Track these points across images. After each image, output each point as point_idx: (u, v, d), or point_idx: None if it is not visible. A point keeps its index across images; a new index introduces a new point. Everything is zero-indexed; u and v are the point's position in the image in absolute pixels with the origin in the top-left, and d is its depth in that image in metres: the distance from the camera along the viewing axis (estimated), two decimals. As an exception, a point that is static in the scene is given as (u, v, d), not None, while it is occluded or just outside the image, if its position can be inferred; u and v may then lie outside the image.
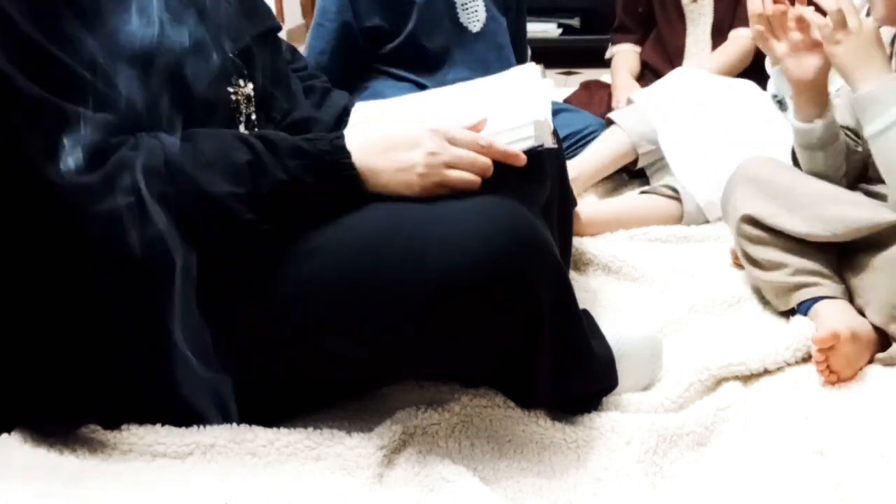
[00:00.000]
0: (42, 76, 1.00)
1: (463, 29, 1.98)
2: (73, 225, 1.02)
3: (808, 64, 1.47)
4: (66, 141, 1.00)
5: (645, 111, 2.09)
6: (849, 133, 1.56)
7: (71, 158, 1.00)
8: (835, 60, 1.42)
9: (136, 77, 1.07)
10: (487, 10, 2.00)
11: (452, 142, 1.13)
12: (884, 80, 1.37)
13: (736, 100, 2.12)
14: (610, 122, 2.20)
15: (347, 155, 1.12)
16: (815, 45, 1.45)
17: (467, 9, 1.98)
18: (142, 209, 1.01)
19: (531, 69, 1.34)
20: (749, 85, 2.17)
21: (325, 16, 1.94)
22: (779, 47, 1.48)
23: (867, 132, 1.41)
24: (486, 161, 1.14)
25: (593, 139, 2.20)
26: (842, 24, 1.38)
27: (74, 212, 1.00)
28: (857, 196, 1.50)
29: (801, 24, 1.45)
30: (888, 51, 1.53)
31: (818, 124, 1.50)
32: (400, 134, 1.13)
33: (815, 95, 1.50)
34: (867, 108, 1.38)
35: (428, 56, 1.95)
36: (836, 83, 1.59)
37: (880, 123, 1.37)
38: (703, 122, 2.05)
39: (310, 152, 1.10)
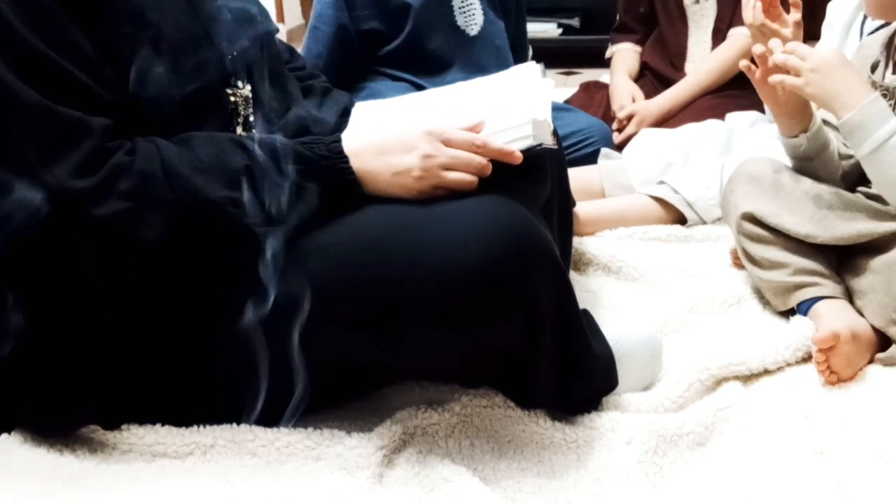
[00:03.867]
0: (40, 81, 1.00)
1: (461, 32, 1.98)
2: (70, 229, 1.01)
3: (779, 91, 1.48)
4: (62, 146, 1.00)
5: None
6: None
7: (67, 163, 0.99)
8: (811, 98, 1.43)
9: (134, 80, 1.07)
10: (485, 13, 2.00)
11: (448, 143, 1.13)
12: (864, 104, 1.37)
13: (724, 127, 2.13)
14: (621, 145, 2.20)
15: (345, 159, 1.12)
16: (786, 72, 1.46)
17: (465, 12, 1.97)
18: (139, 214, 1.01)
19: (532, 68, 1.34)
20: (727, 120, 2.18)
21: (320, 19, 1.94)
22: (756, 73, 1.48)
23: (857, 155, 1.42)
24: (483, 161, 1.14)
25: (593, 141, 2.19)
26: (799, 68, 1.39)
27: (71, 216, 1.00)
28: (858, 199, 1.50)
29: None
30: (886, 54, 1.53)
31: (802, 138, 1.51)
32: (395, 137, 1.14)
33: (794, 114, 1.51)
34: (853, 133, 1.39)
35: (426, 59, 1.94)
36: None
37: (868, 147, 1.38)
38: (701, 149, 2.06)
39: (307, 157, 1.11)
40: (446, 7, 1.96)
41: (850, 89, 1.39)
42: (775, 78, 1.42)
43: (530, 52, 2.31)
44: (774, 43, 1.46)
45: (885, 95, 1.44)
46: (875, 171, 1.41)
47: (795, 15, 1.70)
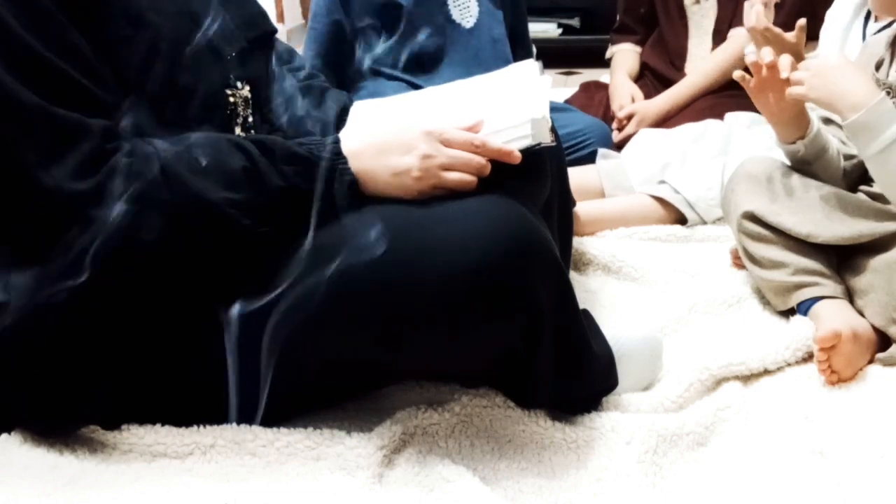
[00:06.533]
0: (38, 83, 0.99)
1: (456, 25, 1.98)
2: (68, 231, 1.01)
3: (773, 101, 1.48)
4: (61, 147, 1.00)
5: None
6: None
7: (66, 165, 0.99)
8: (817, 103, 1.43)
9: (134, 81, 1.07)
10: (480, 5, 2.00)
11: (446, 143, 1.13)
12: (871, 105, 1.36)
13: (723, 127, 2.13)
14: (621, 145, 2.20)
15: (344, 160, 1.12)
16: (780, 84, 1.46)
17: (459, 5, 1.97)
18: (137, 216, 1.01)
19: (530, 66, 1.34)
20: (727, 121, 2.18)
21: (316, 19, 1.95)
22: (750, 82, 1.49)
23: (863, 156, 1.41)
24: (481, 160, 1.14)
25: (592, 141, 2.19)
26: (801, 78, 1.40)
27: (69, 218, 1.00)
28: (859, 199, 1.50)
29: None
30: (890, 52, 1.53)
31: (799, 145, 1.51)
32: (394, 137, 1.14)
33: (790, 122, 1.51)
34: (859, 134, 1.39)
35: (422, 54, 1.94)
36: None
37: (875, 148, 1.37)
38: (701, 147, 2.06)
39: (306, 158, 1.11)
40: (440, 1, 1.96)
41: (855, 89, 1.38)
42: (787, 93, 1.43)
43: (535, 51, 2.30)
44: (766, 52, 1.47)
45: (888, 93, 1.44)
46: (881, 172, 1.40)
47: (801, 20, 1.71)
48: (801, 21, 1.72)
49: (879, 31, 1.72)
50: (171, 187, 1.03)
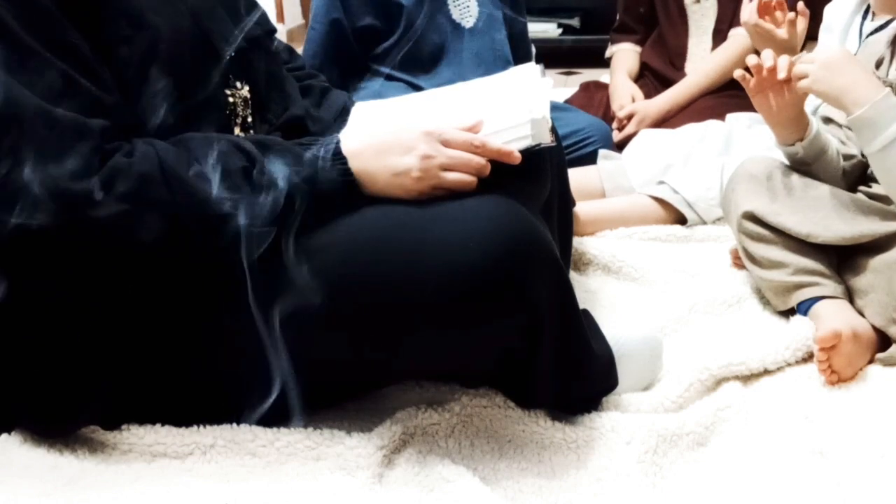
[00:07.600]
0: (38, 83, 0.99)
1: (456, 25, 1.98)
2: (68, 230, 1.01)
3: (773, 102, 1.48)
4: (60, 148, 0.99)
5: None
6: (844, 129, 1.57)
7: (65, 165, 0.99)
8: (821, 96, 1.43)
9: (133, 81, 1.06)
10: (480, 5, 2.00)
11: (446, 143, 1.13)
12: (876, 101, 1.36)
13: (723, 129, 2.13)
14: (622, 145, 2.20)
15: (344, 160, 1.12)
16: (780, 84, 1.46)
17: (459, 4, 1.97)
18: (137, 216, 1.01)
19: (531, 69, 1.34)
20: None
21: (316, 18, 1.95)
22: (750, 82, 1.49)
23: (866, 151, 1.41)
24: (481, 161, 1.14)
25: (593, 140, 2.19)
26: (806, 70, 1.40)
27: (70, 218, 1.00)
28: (859, 199, 1.50)
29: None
30: (891, 50, 1.53)
31: (798, 147, 1.51)
32: (394, 137, 1.14)
33: (789, 124, 1.51)
34: (862, 130, 1.39)
35: (422, 54, 1.94)
36: (813, 103, 1.60)
37: (878, 144, 1.37)
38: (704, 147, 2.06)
39: (306, 158, 1.10)
40: (440, 1, 1.96)
41: (859, 85, 1.38)
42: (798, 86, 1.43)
43: (534, 51, 2.30)
44: (767, 53, 1.47)
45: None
46: (883, 169, 1.40)
47: (790, 14, 1.70)
48: (791, 15, 1.72)
49: (876, 29, 1.72)
50: (171, 187, 1.03)
